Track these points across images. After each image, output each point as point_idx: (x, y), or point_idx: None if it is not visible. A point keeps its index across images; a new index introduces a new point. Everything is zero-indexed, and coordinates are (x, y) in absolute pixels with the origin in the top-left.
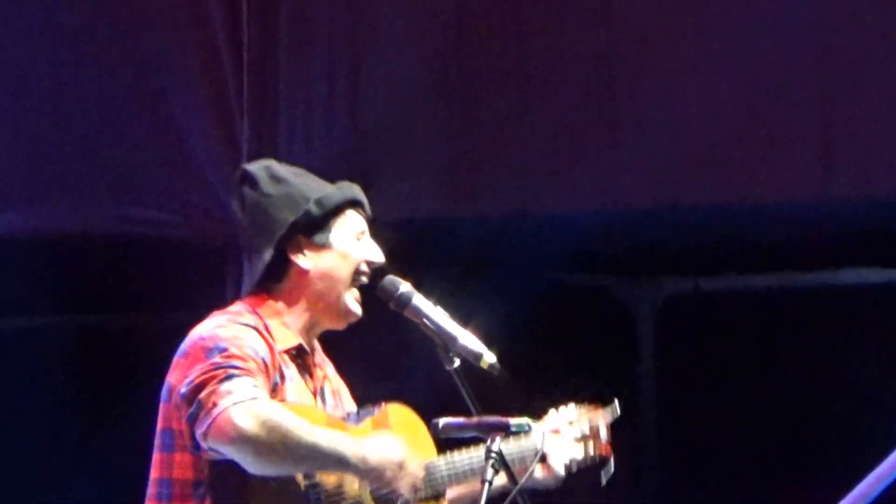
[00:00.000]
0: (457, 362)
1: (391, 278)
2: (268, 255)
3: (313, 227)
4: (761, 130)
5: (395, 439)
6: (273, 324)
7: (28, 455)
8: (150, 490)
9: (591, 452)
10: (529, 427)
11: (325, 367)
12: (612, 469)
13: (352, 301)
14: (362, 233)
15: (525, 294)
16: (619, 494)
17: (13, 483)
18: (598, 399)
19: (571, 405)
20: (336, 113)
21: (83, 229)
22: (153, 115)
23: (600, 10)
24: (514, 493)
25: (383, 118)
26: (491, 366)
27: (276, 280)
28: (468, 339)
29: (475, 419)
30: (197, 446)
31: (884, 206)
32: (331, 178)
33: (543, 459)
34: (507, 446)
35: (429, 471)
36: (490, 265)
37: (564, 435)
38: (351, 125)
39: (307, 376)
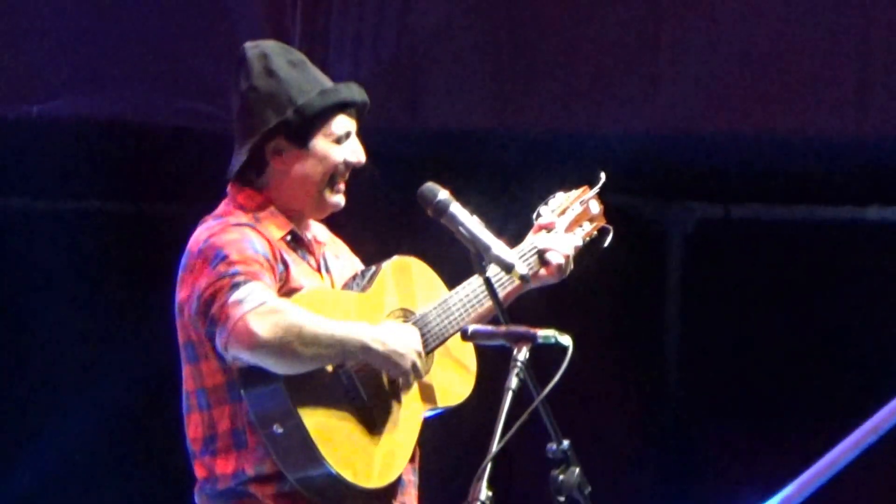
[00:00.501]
0: (489, 271)
1: (430, 185)
2: (245, 153)
3: (293, 131)
4: (799, 63)
5: (407, 327)
6: (262, 215)
7: (66, 337)
8: (189, 402)
9: (587, 231)
10: (556, 339)
11: (322, 238)
12: (611, 233)
13: (329, 195)
14: (346, 135)
15: None
16: (639, 418)
17: (47, 368)
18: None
19: (558, 193)
20: (387, 19)
21: (132, 117)
22: (206, 6)
23: None
24: (535, 402)
25: (432, 29)
26: (522, 276)
27: (259, 175)
28: (502, 250)
29: (503, 328)
30: (222, 357)
31: None
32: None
33: (544, 261)
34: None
35: (441, 313)
36: (528, 180)
37: (557, 226)
38: (400, 33)
39: (307, 254)
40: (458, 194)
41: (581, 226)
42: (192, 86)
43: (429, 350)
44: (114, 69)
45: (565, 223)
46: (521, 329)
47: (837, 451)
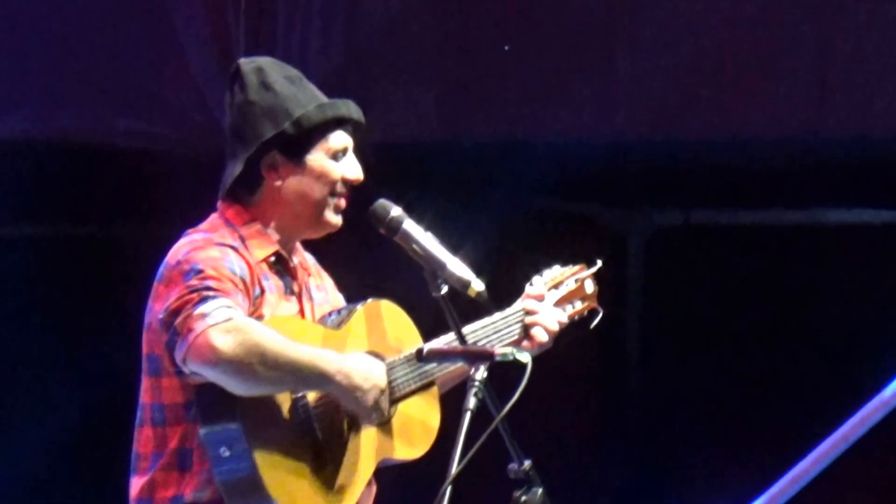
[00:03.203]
0: (444, 289)
1: (382, 202)
2: (239, 167)
3: (289, 145)
4: (758, 64)
5: (377, 362)
6: (249, 235)
7: (9, 366)
8: (143, 414)
9: (577, 310)
10: (514, 356)
11: (308, 265)
12: (600, 316)
13: (329, 214)
14: (343, 150)
15: (516, 220)
16: (603, 424)
17: None
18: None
19: (555, 266)
20: (333, 29)
21: (74, 138)
22: (148, 24)
23: None
24: (495, 422)
25: (379, 38)
26: (479, 293)
27: (250, 192)
28: (457, 267)
29: (460, 347)
30: (180, 372)
31: (877, 146)
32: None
33: (527, 332)
34: (492, 318)
35: (410, 365)
36: (482, 190)
37: (548, 299)
38: (347, 43)
39: (289, 279)
40: (411, 210)
41: (572, 303)
42: (135, 105)
43: (393, 399)
44: (51, 88)
45: (556, 297)
46: (479, 348)
47: (808, 461)
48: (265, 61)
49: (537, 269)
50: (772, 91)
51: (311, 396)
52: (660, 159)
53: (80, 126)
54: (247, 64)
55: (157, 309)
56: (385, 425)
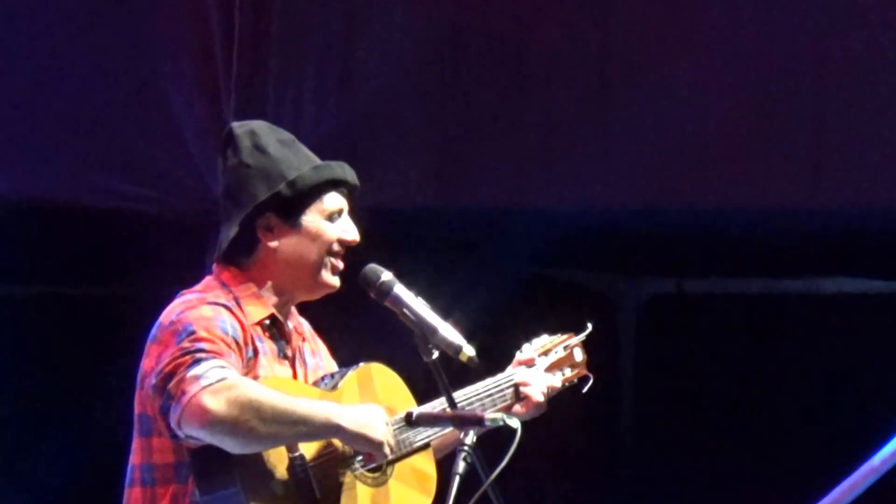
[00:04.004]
0: (435, 354)
1: (373, 267)
2: (235, 229)
3: (284, 207)
4: (753, 136)
5: (373, 405)
6: (244, 296)
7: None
8: (133, 475)
9: (567, 377)
10: (504, 422)
11: (303, 330)
12: (591, 382)
13: (326, 275)
14: (339, 212)
15: (510, 286)
16: (595, 490)
17: None
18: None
19: (543, 335)
20: (326, 96)
21: (64, 199)
22: (140, 89)
23: (596, 10)
24: (484, 486)
25: (373, 104)
26: (470, 359)
27: (246, 254)
28: (448, 332)
29: (450, 412)
30: (175, 435)
31: (870, 217)
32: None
33: (520, 396)
34: (484, 384)
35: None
36: (476, 256)
37: (538, 365)
38: (340, 110)
39: (283, 343)
40: (402, 275)
41: (562, 370)
42: (127, 169)
43: (389, 460)
44: (43, 150)
45: (546, 363)
46: (468, 412)
47: None
48: (257, 124)
49: (528, 336)
50: (766, 163)
51: (309, 454)
52: (653, 228)
53: (71, 188)
54: (239, 127)
55: (147, 368)
56: (382, 484)
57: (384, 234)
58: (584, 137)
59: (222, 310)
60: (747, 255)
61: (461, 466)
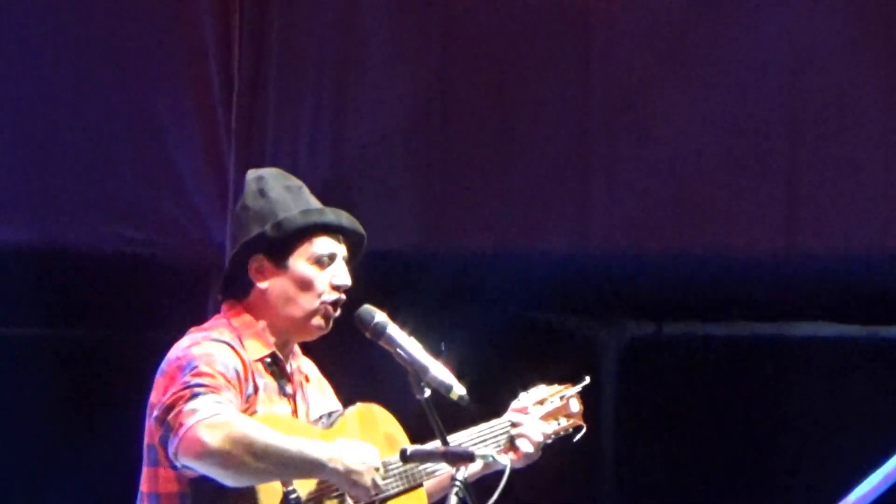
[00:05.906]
0: (427, 392)
1: (367, 308)
2: (228, 267)
3: (273, 248)
4: (730, 184)
5: (366, 444)
6: (246, 334)
7: (2, 468)
8: (142, 503)
9: (562, 426)
10: (493, 458)
11: (305, 368)
12: (583, 432)
13: (317, 321)
14: (330, 256)
15: (494, 330)
16: None
17: None
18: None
19: (540, 385)
20: (320, 143)
21: (68, 245)
22: (142, 136)
23: (579, 62)
24: None
25: (366, 151)
26: (460, 397)
27: (243, 294)
28: (440, 371)
29: (442, 448)
30: (174, 465)
31: (845, 262)
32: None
33: (513, 444)
34: (478, 428)
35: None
36: (461, 300)
37: (533, 413)
38: (334, 156)
39: (284, 381)
40: (394, 316)
41: (557, 419)
42: (129, 214)
43: (385, 497)
44: (47, 196)
45: (541, 412)
46: (460, 449)
47: None
48: (269, 171)
49: (512, 378)
50: (742, 210)
51: (303, 491)
52: (632, 273)
53: (77, 234)
54: (252, 174)
55: (153, 401)
56: None
57: (374, 277)
58: (566, 185)
59: (225, 346)
60: (724, 300)
61: (453, 501)
